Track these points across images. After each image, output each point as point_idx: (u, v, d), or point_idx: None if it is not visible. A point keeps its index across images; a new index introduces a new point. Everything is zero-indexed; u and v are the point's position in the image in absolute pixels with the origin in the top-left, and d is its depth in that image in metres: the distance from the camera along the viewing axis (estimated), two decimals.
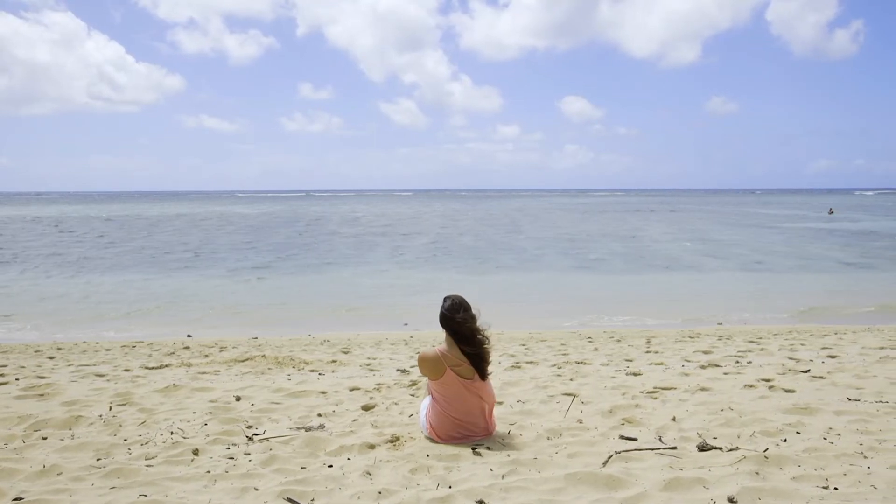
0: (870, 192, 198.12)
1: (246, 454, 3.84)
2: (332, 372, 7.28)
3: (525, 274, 20.70)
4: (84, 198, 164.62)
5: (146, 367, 7.73)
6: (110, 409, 5.05)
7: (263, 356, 8.42)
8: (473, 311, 4.14)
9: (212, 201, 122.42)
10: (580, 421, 4.51)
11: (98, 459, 3.72)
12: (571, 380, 6.30)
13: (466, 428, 4.05)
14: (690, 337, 10.40)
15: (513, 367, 7.36)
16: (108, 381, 6.61)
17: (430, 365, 4.06)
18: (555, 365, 7.46)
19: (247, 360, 8.24)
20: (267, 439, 4.14)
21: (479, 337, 4.06)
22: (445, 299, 4.18)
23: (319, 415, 4.90)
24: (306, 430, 4.36)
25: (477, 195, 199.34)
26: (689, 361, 7.52)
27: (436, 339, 10.26)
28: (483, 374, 4.09)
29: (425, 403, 4.26)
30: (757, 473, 3.23)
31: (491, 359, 4.22)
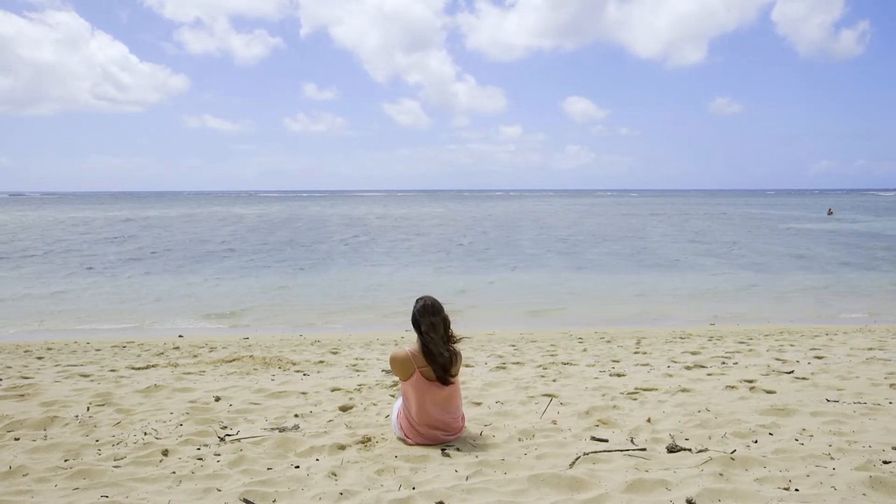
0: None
1: (216, 455, 3.84)
2: (318, 373, 7.27)
3: (521, 274, 20.70)
4: (85, 198, 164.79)
5: (133, 368, 7.73)
6: (88, 409, 5.05)
7: (251, 357, 8.42)
8: (445, 314, 4.12)
9: (218, 202, 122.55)
10: (554, 422, 4.50)
11: (66, 460, 3.71)
12: (554, 380, 6.29)
13: (436, 429, 4.04)
14: (681, 337, 10.38)
15: (498, 367, 7.35)
16: (91, 381, 6.62)
17: (399, 365, 4.05)
18: (540, 366, 7.44)
19: (234, 360, 8.25)
20: (238, 440, 4.14)
21: (442, 349, 4.00)
22: (418, 301, 4.17)
23: (296, 415, 4.90)
24: (280, 431, 4.36)
25: (478, 196, 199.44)
26: (675, 362, 7.50)
27: None
28: (444, 381, 4.04)
29: (398, 404, 4.25)
30: (721, 475, 3.22)
31: (460, 362, 4.17)
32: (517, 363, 7.74)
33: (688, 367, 7.01)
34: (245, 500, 2.99)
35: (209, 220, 52.94)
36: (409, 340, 10.60)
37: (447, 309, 4.22)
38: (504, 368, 7.28)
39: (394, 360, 4.08)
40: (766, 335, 10.47)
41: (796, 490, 3.03)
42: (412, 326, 4.13)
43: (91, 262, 23.47)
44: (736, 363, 7.29)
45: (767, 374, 6.35)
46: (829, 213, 60.44)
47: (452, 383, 4.10)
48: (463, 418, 4.25)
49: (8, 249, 27.63)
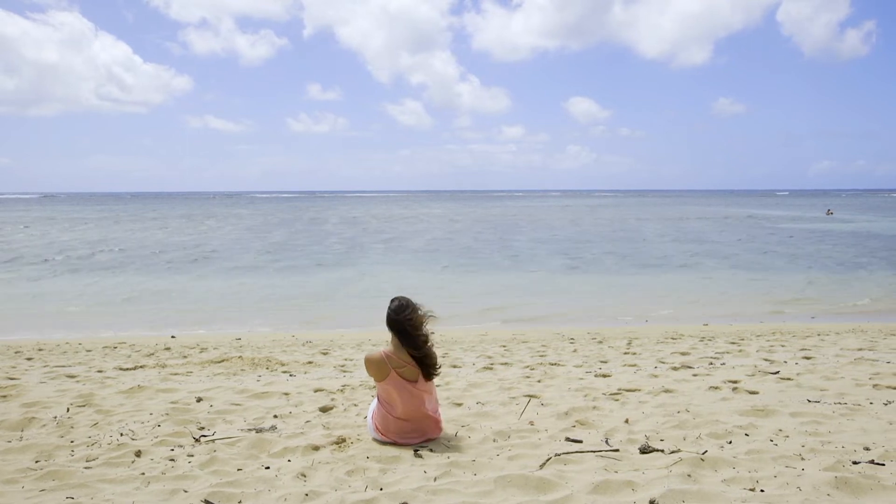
0: None
1: (189, 456, 3.83)
2: (304, 373, 7.27)
3: (518, 274, 20.70)
4: (86, 199, 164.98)
5: (120, 369, 7.73)
6: (67, 410, 5.05)
7: (240, 357, 8.43)
8: (421, 312, 4.12)
9: (221, 202, 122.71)
10: (532, 423, 4.49)
11: (37, 461, 3.71)
12: (539, 381, 6.27)
13: (411, 429, 4.04)
14: (673, 338, 10.36)
15: (485, 368, 7.34)
16: (77, 382, 6.62)
17: (374, 366, 4.05)
18: (528, 366, 7.43)
19: (223, 361, 8.25)
20: (213, 441, 4.13)
21: (424, 338, 4.04)
22: (392, 301, 4.17)
23: (275, 416, 4.90)
24: (257, 432, 4.35)
25: (478, 196, 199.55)
26: (662, 363, 7.49)
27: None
28: (428, 376, 4.07)
29: (373, 405, 4.25)
30: (689, 476, 3.21)
31: (437, 360, 4.18)
32: (505, 364, 7.73)
33: (674, 368, 7.00)
34: (206, 502, 2.99)
35: (210, 221, 53.02)
36: None
37: (424, 310, 4.22)
38: (491, 369, 7.27)
39: (368, 362, 4.08)
40: (758, 335, 10.44)
41: (761, 491, 3.02)
42: (387, 326, 4.13)
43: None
44: (723, 364, 7.27)
45: (753, 375, 6.33)
46: (829, 213, 60.38)
47: (428, 381, 4.11)
48: (439, 418, 4.24)
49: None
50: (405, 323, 4.02)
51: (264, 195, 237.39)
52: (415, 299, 4.20)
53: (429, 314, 4.18)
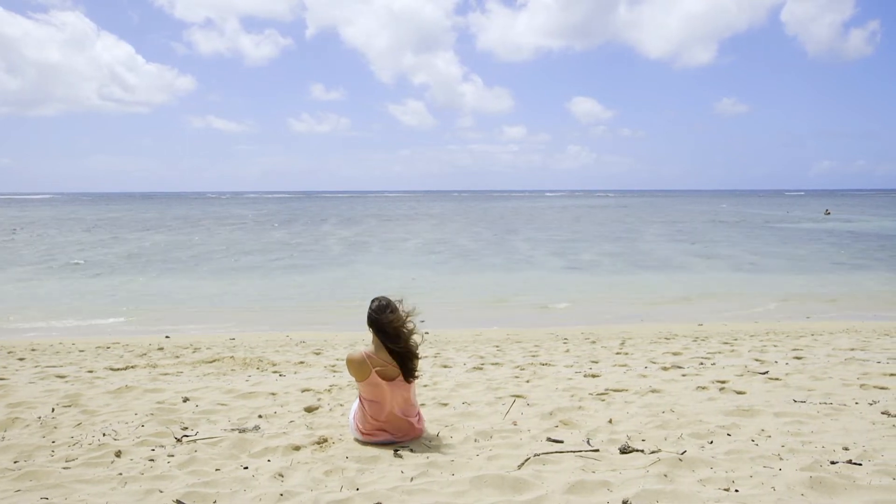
0: None
1: (169, 456, 3.83)
2: (294, 373, 7.26)
3: (515, 274, 20.69)
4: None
5: (111, 369, 7.73)
6: (53, 410, 5.05)
7: (232, 357, 8.42)
8: (403, 311, 4.11)
9: (221, 203, 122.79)
10: (515, 423, 4.49)
11: (15, 462, 3.71)
12: (528, 381, 6.27)
13: (391, 430, 4.04)
14: (666, 338, 10.34)
15: (475, 368, 7.33)
16: (66, 382, 6.62)
17: (355, 366, 4.05)
18: (518, 366, 7.42)
19: (214, 361, 8.24)
20: (195, 441, 4.13)
21: (406, 334, 4.03)
22: (373, 301, 4.16)
23: (260, 416, 4.89)
24: (240, 432, 4.35)
25: (478, 196, 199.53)
26: (653, 363, 7.48)
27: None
28: (409, 375, 4.06)
29: (355, 405, 4.25)
30: (665, 476, 3.20)
31: (418, 360, 4.17)
32: (496, 364, 7.72)
33: (664, 368, 6.99)
34: (178, 502, 2.98)
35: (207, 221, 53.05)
36: None
37: (408, 308, 4.21)
38: (481, 369, 7.26)
39: (350, 362, 4.08)
40: (752, 335, 10.43)
41: (736, 491, 3.02)
42: (368, 326, 4.12)
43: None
44: (714, 364, 7.26)
45: (742, 375, 6.33)
46: (827, 213, 60.36)
47: (411, 382, 4.10)
48: (420, 418, 4.24)
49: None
50: (386, 324, 4.01)
51: (264, 195, 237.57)
52: (404, 298, 4.19)
53: (412, 314, 4.16)
